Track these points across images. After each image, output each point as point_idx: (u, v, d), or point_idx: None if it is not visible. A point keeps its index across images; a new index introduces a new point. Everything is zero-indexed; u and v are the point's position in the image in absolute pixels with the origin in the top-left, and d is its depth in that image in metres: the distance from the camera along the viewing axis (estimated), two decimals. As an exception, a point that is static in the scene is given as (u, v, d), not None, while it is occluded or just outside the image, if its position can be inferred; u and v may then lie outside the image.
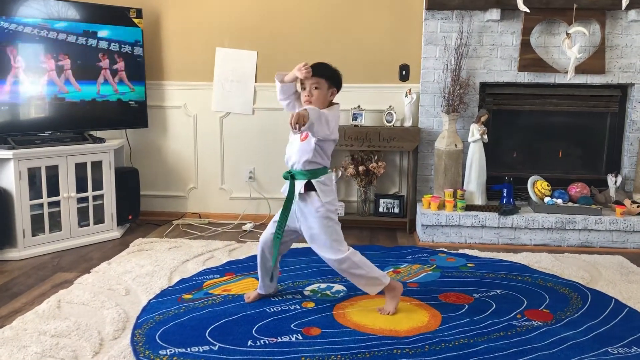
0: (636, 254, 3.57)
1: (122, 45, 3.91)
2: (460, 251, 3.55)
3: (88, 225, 3.74)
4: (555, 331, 2.39)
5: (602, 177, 4.08)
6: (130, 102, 4.01)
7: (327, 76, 2.48)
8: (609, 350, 2.22)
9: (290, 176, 2.48)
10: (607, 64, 3.92)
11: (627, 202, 3.79)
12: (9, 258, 3.36)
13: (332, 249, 2.47)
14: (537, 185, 3.91)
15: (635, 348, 2.24)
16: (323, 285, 2.90)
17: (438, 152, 3.92)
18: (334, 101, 2.55)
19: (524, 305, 2.67)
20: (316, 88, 2.45)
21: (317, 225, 2.46)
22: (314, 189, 2.45)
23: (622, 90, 4.04)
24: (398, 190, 4.29)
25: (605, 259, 3.41)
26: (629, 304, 2.69)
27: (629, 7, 3.75)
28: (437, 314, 2.55)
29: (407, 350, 2.20)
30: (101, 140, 3.84)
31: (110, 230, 3.84)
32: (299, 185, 2.45)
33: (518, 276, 3.06)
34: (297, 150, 2.47)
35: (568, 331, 2.39)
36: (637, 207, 3.74)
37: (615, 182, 3.95)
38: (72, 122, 3.75)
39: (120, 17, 3.88)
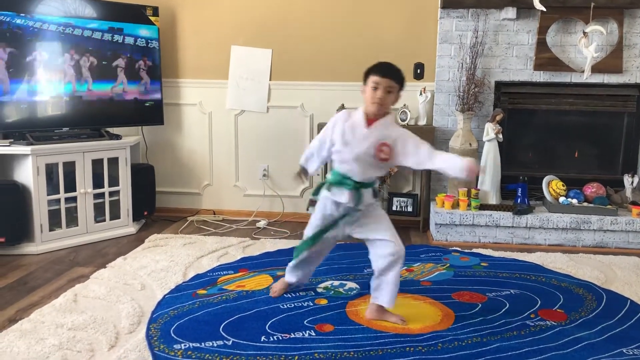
0: (652, 255, 3.54)
1: (139, 43, 3.95)
2: (474, 250, 3.55)
3: (104, 220, 3.78)
4: (569, 331, 2.38)
5: (618, 178, 4.04)
6: (146, 100, 4.05)
7: (401, 83, 2.36)
8: (624, 351, 2.20)
9: (356, 185, 2.36)
10: (625, 63, 3.88)
11: (643, 202, 3.76)
12: (27, 252, 3.41)
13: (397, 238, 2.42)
14: (552, 185, 3.89)
15: (651, 349, 2.22)
16: (336, 283, 2.91)
17: (452, 151, 3.91)
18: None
19: (538, 304, 2.66)
20: (389, 92, 2.32)
21: (383, 218, 2.46)
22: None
23: (640, 89, 4.01)
24: (411, 189, 4.29)
25: (620, 260, 3.38)
26: (645, 305, 2.67)
27: (647, 6, 3.71)
28: (450, 313, 2.55)
29: (419, 348, 2.21)
30: (117, 136, 3.88)
31: (126, 226, 3.89)
32: (367, 193, 2.40)
33: (532, 276, 3.04)
34: (367, 167, 2.35)
35: (582, 331, 2.37)
36: (654, 207, 3.70)
37: (632, 182, 3.92)
38: (89, 119, 3.80)
39: (136, 15, 3.92)
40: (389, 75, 2.31)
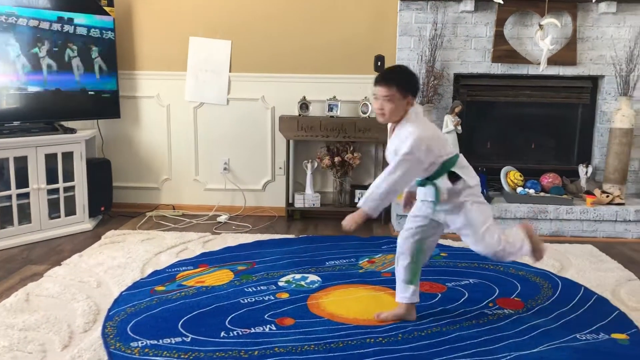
0: (605, 243, 3.63)
1: (92, 34, 3.83)
2: (434, 241, 3.57)
3: (59, 217, 3.67)
4: (526, 319, 2.42)
5: (573, 168, 4.14)
6: (102, 92, 3.94)
7: (398, 84, 2.16)
8: (577, 336, 2.26)
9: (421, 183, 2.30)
10: (579, 55, 3.97)
11: (597, 192, 3.85)
12: (-23, 251, 3.29)
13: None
14: (509, 176, 3.96)
15: (603, 334, 2.28)
16: (298, 276, 2.90)
17: (413, 143, 3.93)
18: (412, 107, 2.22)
19: (496, 293, 2.70)
20: (388, 100, 2.16)
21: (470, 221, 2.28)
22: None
23: (593, 81, 4.10)
24: (374, 181, 4.28)
25: (575, 248, 3.47)
26: (598, 291, 2.74)
27: (599, 0, 3.80)
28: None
29: (380, 339, 2.21)
30: (72, 130, 3.77)
31: (82, 222, 3.78)
32: (429, 190, 2.27)
33: (490, 265, 3.09)
34: None
35: (538, 319, 2.42)
36: (607, 197, 3.80)
37: (586, 172, 4.02)
38: (42, 113, 3.67)
39: (90, 5, 3.80)
40: (381, 82, 2.17)
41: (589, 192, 3.89)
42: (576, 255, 3.33)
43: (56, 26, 3.66)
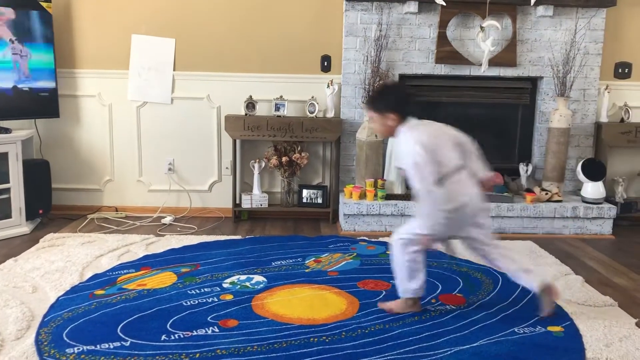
0: (545, 239, 3.75)
1: (30, 30, 3.69)
2: (380, 239, 3.61)
3: (-7, 220, 3.52)
4: (467, 314, 2.47)
5: (514, 166, 4.25)
6: (39, 91, 3.80)
7: (372, 105, 2.39)
8: (516, 330, 2.32)
9: None
10: (518, 57, 4.09)
11: (537, 189, 3.98)
12: None
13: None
14: (454, 175, 4.03)
15: (540, 327, 2.35)
16: (243, 277, 2.87)
17: (359, 143, 3.96)
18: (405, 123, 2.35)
19: (439, 290, 2.75)
20: (373, 121, 2.42)
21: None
22: None
23: (532, 82, 4.23)
24: (321, 181, 4.31)
25: (516, 244, 3.56)
26: (536, 285, 2.82)
27: (537, 3, 3.92)
28: (355, 301, 2.58)
29: (323, 338, 2.21)
30: (7, 130, 3.61)
31: (18, 226, 3.63)
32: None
33: (434, 262, 3.13)
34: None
35: (479, 313, 2.48)
36: (546, 194, 3.93)
37: (527, 170, 4.14)
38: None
39: (28, 0, 3.66)
40: (365, 106, 2.37)
41: (529, 190, 4.01)
42: (517, 251, 3.40)
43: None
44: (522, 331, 2.31)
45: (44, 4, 3.75)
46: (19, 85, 3.70)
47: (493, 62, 4.01)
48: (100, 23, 4.06)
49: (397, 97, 2.40)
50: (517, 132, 4.37)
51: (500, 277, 2.92)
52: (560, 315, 2.47)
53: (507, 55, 4.06)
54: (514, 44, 4.06)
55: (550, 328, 2.34)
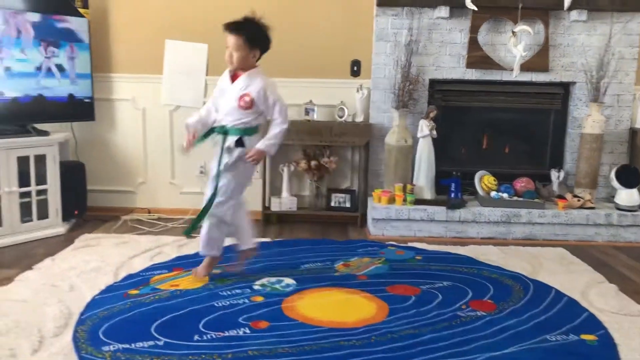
0: (577, 246, 3.70)
1: (68, 36, 3.79)
2: (410, 244, 3.61)
3: (31, 220, 3.61)
4: (497, 321, 2.45)
5: (546, 172, 4.21)
6: (76, 95, 3.90)
7: (246, 36, 2.52)
8: (547, 337, 2.30)
9: (224, 130, 2.64)
10: (551, 62, 4.05)
11: (568, 196, 3.92)
12: (-55, 255, 3.22)
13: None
14: (484, 180, 4.01)
15: (572, 335, 2.32)
16: (273, 279, 2.89)
17: (388, 147, 3.97)
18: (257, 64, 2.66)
19: (469, 296, 2.73)
20: (237, 50, 2.53)
21: (233, 179, 2.70)
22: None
23: (565, 88, 4.19)
24: (350, 185, 4.32)
25: (547, 251, 3.52)
26: (568, 293, 2.79)
27: (571, 8, 3.88)
28: (384, 306, 2.58)
29: (353, 341, 2.23)
30: (45, 133, 3.72)
31: (55, 226, 3.73)
32: (232, 138, 2.64)
33: (464, 268, 3.12)
34: (234, 114, 2.62)
35: (510, 320, 2.46)
36: (578, 200, 3.88)
37: (558, 176, 4.09)
38: (14, 115, 3.61)
39: (65, 6, 3.76)
40: (232, 31, 2.53)
41: (561, 196, 3.96)
42: (548, 258, 3.38)
43: (33, 28, 3.60)
44: (554, 339, 2.29)
45: (82, 11, 3.85)
46: (62, 89, 3.79)
47: (525, 67, 3.97)
48: (135, 28, 4.15)
49: (269, 42, 2.64)
50: (549, 137, 4.32)
51: (531, 284, 2.90)
52: (594, 324, 2.44)
53: (539, 60, 4.03)
54: (546, 49, 4.02)
55: (583, 336, 2.31)
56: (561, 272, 3.11)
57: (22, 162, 3.53)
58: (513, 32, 3.87)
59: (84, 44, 3.89)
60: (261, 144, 2.60)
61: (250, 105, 2.57)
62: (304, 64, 4.18)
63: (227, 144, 2.61)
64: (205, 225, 2.75)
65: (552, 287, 2.86)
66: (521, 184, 4.04)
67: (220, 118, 2.64)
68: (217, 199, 2.66)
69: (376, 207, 3.84)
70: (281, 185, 4.19)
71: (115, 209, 4.31)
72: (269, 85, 2.60)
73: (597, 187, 4.07)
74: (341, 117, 4.08)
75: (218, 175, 2.65)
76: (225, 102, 2.63)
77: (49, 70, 3.72)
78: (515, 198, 3.95)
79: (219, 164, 2.63)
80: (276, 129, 2.63)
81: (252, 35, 2.54)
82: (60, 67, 3.78)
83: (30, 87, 3.65)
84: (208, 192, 2.69)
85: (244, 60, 2.56)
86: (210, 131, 2.67)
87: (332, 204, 4.20)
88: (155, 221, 4.11)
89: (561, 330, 2.36)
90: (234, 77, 2.63)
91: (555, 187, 4.09)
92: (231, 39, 2.51)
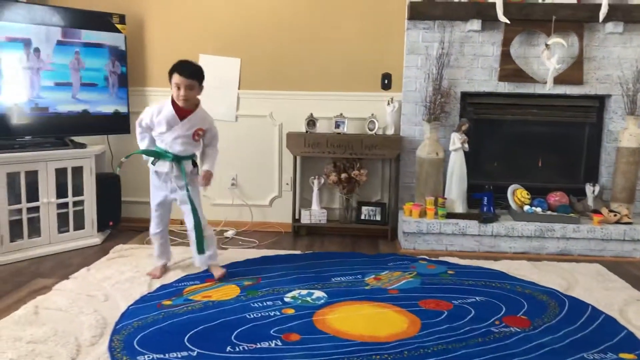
0: (613, 262, 3.62)
1: (105, 51, 3.90)
2: (441, 258, 3.58)
3: (68, 231, 3.70)
4: (532, 337, 2.41)
5: (580, 186, 4.13)
6: (112, 108, 3.99)
7: (199, 79, 2.90)
8: (585, 356, 2.25)
9: (175, 158, 2.99)
10: (585, 75, 3.99)
11: (604, 210, 3.84)
12: (-14, 264, 3.32)
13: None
14: (517, 194, 3.96)
15: (610, 354, 2.27)
16: (304, 292, 2.90)
17: (420, 160, 3.95)
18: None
19: (503, 311, 2.70)
20: (191, 89, 2.87)
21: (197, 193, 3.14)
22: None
23: (600, 101, 4.12)
24: (380, 198, 4.31)
25: (582, 267, 3.45)
26: (605, 310, 2.72)
27: (605, 20, 3.83)
28: (416, 320, 2.56)
29: (385, 356, 2.21)
30: (82, 145, 3.82)
31: (90, 237, 3.81)
32: (187, 164, 3.04)
33: (497, 283, 3.08)
34: (185, 144, 2.97)
35: (545, 337, 2.41)
36: (614, 215, 3.79)
37: (594, 191, 4.01)
38: (53, 128, 3.72)
39: (103, 22, 3.87)
40: (187, 76, 2.83)
41: (596, 211, 3.88)
42: (583, 274, 3.32)
43: (71, 44, 3.72)
44: (591, 357, 2.24)
45: (119, 26, 3.95)
46: (99, 103, 3.89)
47: (558, 80, 3.93)
48: (170, 43, 4.25)
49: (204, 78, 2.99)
50: (583, 151, 4.25)
51: (566, 301, 2.84)
52: (633, 342, 2.38)
53: (573, 73, 3.97)
54: (580, 61, 3.97)
55: (622, 355, 2.26)
56: (597, 289, 3.05)
57: (60, 173, 3.63)
58: (547, 45, 3.84)
59: (122, 59, 3.99)
60: (208, 167, 3.06)
61: (202, 136, 3.02)
62: (335, 77, 4.20)
63: (187, 168, 3.03)
64: (207, 241, 3.14)
65: (588, 304, 2.80)
66: (555, 198, 3.97)
67: (175, 148, 2.96)
68: (198, 209, 3.08)
69: (407, 221, 3.82)
70: (311, 197, 4.21)
71: (148, 220, 4.34)
72: (212, 119, 3.07)
73: (634, 202, 3.98)
74: (372, 129, 4.09)
75: (189, 195, 3.03)
76: (176, 134, 2.93)
77: (90, 84, 3.83)
78: (549, 212, 3.88)
79: (186, 186, 3.02)
80: (214, 152, 3.11)
81: (203, 77, 2.93)
82: (100, 82, 3.88)
83: (71, 101, 3.76)
84: (188, 218, 3.11)
85: (195, 96, 2.94)
86: (156, 154, 3.02)
87: (363, 217, 4.19)
88: (187, 232, 4.15)
89: (599, 349, 2.31)
90: (180, 111, 2.91)
91: (590, 201, 4.02)
92: (185, 81, 2.83)
